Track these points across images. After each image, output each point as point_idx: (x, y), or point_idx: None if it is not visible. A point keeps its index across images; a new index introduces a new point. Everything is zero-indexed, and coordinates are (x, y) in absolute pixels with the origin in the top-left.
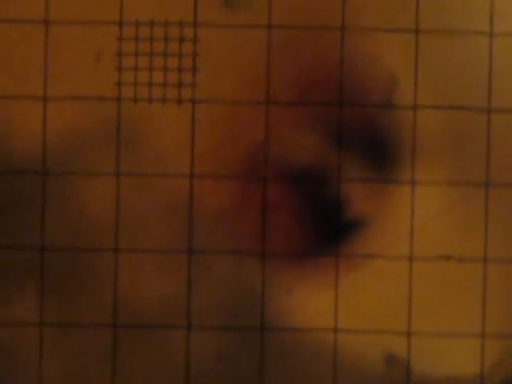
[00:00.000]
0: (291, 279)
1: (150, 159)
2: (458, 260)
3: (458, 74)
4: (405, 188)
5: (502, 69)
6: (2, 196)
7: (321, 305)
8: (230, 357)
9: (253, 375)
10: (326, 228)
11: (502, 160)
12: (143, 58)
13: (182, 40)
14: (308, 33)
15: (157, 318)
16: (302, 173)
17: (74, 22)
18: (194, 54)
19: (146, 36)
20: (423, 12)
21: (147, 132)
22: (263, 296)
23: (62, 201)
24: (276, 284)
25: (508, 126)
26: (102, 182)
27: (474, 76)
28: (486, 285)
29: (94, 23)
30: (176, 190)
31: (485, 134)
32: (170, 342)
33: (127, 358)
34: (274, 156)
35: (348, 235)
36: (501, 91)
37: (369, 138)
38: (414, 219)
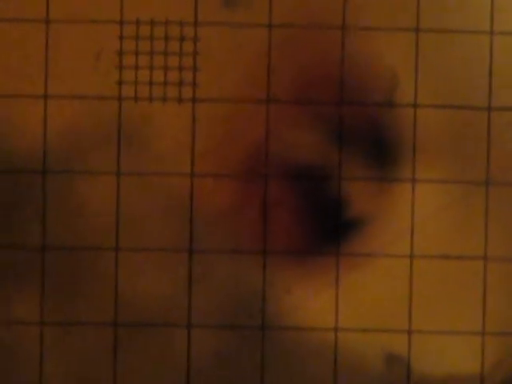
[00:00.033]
0: (292, 278)
1: (151, 158)
2: (458, 258)
3: (458, 73)
4: (405, 186)
5: (502, 68)
6: (2, 195)
7: (321, 304)
8: (230, 356)
9: (253, 374)
10: (326, 226)
11: (502, 159)
12: (144, 56)
13: (182, 39)
14: (308, 32)
15: (157, 316)
16: (302, 171)
17: (75, 20)
18: (195, 53)
19: (147, 35)
20: (424, 11)
21: (147, 131)
22: (264, 295)
23: (62, 200)
24: (276, 283)
25: (508, 125)
26: (102, 181)
27: (474, 75)
28: (486, 283)
29: (95, 22)
30: (176, 188)
31: (485, 133)
32: (170, 341)
33: (128, 357)
34: (274, 154)
35: (348, 234)
36: (501, 90)
37: (369, 137)
38: (415, 218)
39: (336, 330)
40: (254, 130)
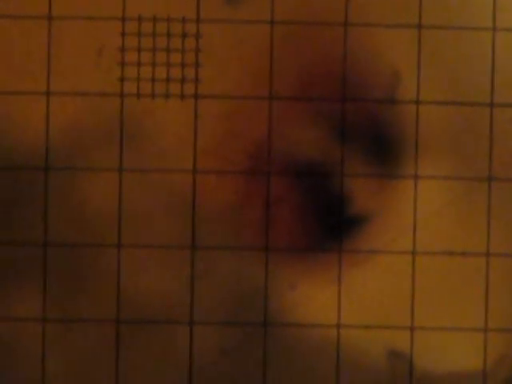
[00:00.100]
0: (294, 275)
1: (153, 155)
2: (460, 255)
3: (460, 70)
4: (408, 183)
5: (504, 64)
6: (4, 192)
7: (324, 300)
8: (232, 352)
9: (256, 370)
10: (329, 223)
11: (505, 155)
12: (146, 53)
13: (184, 35)
14: (310, 28)
15: (159, 313)
16: (305, 168)
17: (77, 17)
18: (197, 50)
19: (149, 31)
20: (426, 7)
21: (150, 128)
22: (266, 291)
23: (64, 196)
24: (279, 279)
25: (510, 121)
26: (104, 177)
27: (476, 71)
28: (489, 280)
29: (97, 19)
30: (179, 185)
31: (487, 129)
32: (172, 338)
33: (130, 354)
34: (276, 151)
35: (351, 230)
36: (503, 86)
37: (372, 134)
38: (417, 214)
39: (338, 326)
40: (257, 126)
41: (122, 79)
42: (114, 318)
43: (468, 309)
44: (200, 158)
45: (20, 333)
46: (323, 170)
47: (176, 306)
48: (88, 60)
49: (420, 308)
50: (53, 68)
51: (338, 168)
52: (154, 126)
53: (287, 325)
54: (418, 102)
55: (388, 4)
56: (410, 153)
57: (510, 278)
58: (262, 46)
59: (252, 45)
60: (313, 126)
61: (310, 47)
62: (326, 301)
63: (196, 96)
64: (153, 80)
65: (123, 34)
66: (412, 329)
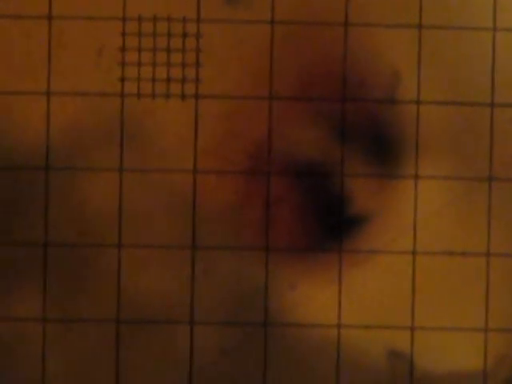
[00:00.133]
0: (295, 275)
1: (154, 155)
2: (461, 255)
3: (461, 70)
4: (408, 183)
5: (504, 64)
6: (5, 192)
7: (324, 300)
8: (233, 352)
9: (256, 370)
10: (329, 223)
11: (505, 155)
12: (146, 53)
13: (185, 35)
14: (310, 28)
15: (160, 313)
16: (305, 168)
17: (77, 17)
18: (197, 50)
19: (149, 31)
20: (426, 7)
21: (150, 128)
22: (266, 291)
23: (64, 196)
24: (279, 279)
25: (511, 121)
26: (104, 177)
27: (476, 71)
28: (489, 280)
29: (97, 18)
30: (179, 185)
31: (488, 129)
32: (172, 338)
33: (130, 354)
34: (276, 151)
35: (351, 230)
36: (504, 86)
37: (372, 134)
38: (417, 214)
39: (339, 326)
40: (257, 126)
41: (122, 79)
42: (115, 318)
43: (468, 309)
44: (200, 158)
45: (20, 333)
46: (323, 169)
47: (176, 305)
48: (88, 60)
49: (420, 308)
50: (53, 68)
51: (338, 168)
52: (155, 126)
53: (287, 325)
54: (418, 102)
55: (388, 4)
56: (411, 153)
57: (511, 278)
58: (262, 45)
59: (252, 45)
60: (313, 126)
61: (310, 47)
62: (326, 301)
63: (196, 96)
64: (153, 80)
65: (123, 34)
66: (412, 329)
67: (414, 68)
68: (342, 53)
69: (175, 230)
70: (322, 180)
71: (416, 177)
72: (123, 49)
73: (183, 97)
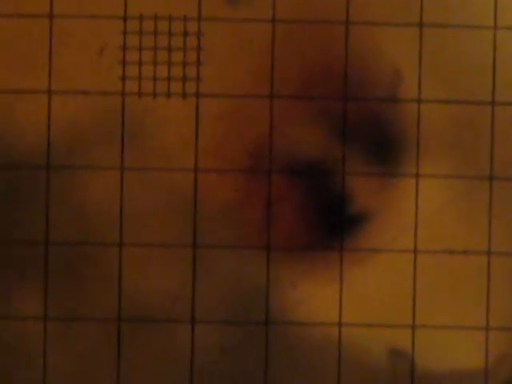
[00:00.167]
0: (296, 273)
1: (154, 153)
2: (462, 253)
3: (462, 68)
4: (409, 182)
5: (506, 62)
6: (5, 190)
7: (325, 299)
8: (234, 351)
9: (257, 369)
10: (330, 222)
11: (506, 154)
12: (147, 52)
13: (186, 34)
14: (312, 27)
15: (160, 312)
16: (306, 166)
17: (78, 15)
18: (198, 48)
19: (150, 30)
20: (427, 6)
21: (151, 126)
22: (268, 290)
23: (65, 195)
24: (281, 278)
25: None
26: (105, 176)
27: (477, 70)
28: (491, 278)
29: (98, 17)
30: (180, 184)
31: (489, 128)
32: (173, 336)
33: (131, 352)
34: (278, 150)
35: (352, 229)
36: (505, 85)
37: (373, 132)
38: (418, 213)
39: (340, 324)
40: (258, 124)
41: (123, 78)
42: (115, 317)
43: (469, 307)
44: (201, 157)
45: (21, 331)
46: (324, 168)
47: (177, 304)
48: (89, 59)
49: (421, 306)
50: (54, 66)
51: (339, 166)
52: (155, 125)
53: (289, 323)
54: (419, 101)
55: (389, 2)
56: (412, 151)
57: None
58: (263, 44)
59: (253, 43)
60: (314, 125)
61: (311, 46)
62: (328, 299)
63: (197, 95)
64: (154, 79)
65: (124, 33)
66: (413, 327)
67: (415, 66)
68: (343, 51)
69: (176, 228)
70: (323, 178)
71: (417, 175)
72: (124, 47)
73: (184, 95)
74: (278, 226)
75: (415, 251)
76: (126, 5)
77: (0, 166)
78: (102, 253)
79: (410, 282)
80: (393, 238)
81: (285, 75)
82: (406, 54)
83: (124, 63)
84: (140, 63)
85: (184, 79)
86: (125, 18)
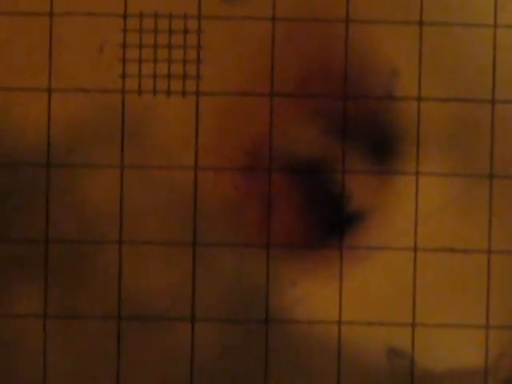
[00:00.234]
0: (295, 272)
1: (154, 151)
2: (462, 252)
3: (461, 66)
4: (409, 180)
5: (505, 61)
6: (5, 188)
7: (325, 297)
8: (234, 349)
9: (257, 367)
10: (329, 220)
11: (506, 152)
12: (147, 49)
13: (186, 32)
14: (311, 25)
15: (161, 310)
16: (305, 164)
17: (78, 13)
18: (198, 47)
19: (151, 28)
20: (427, 4)
21: (151, 124)
22: (267, 288)
23: (65, 193)
24: (280, 276)
25: None
26: (105, 174)
27: (477, 68)
28: (491, 277)
29: (98, 15)
30: (180, 182)
31: (489, 126)
32: (174, 334)
33: (131, 350)
34: (276, 148)
35: (351, 227)
36: (504, 83)
37: (373, 131)
38: (418, 211)
39: (340, 323)
40: (257, 123)
41: (123, 76)
42: (115, 315)
43: (469, 306)
44: (201, 155)
45: (21, 329)
46: (324, 166)
47: (177, 302)
48: (89, 56)
49: (421, 305)
50: (54, 64)
51: (338, 165)
52: (156, 123)
53: (288, 322)
54: (419, 99)
55: (389, 1)
56: (411, 150)
57: None
58: (264, 42)
59: (253, 41)
60: (312, 123)
61: (310, 44)
62: (328, 297)
63: (197, 93)
64: (154, 76)
65: (124, 31)
66: (413, 325)
67: (414, 65)
68: (342, 50)
69: (176, 226)
70: (322, 177)
71: (417, 174)
72: (124, 45)
73: (184, 93)
74: (277, 224)
75: (415, 249)
76: (126, 3)
77: (0, 164)
78: (102, 251)
79: (410, 280)
80: (392, 237)
81: (284, 74)
82: (406, 52)
83: (124, 61)
84: (140, 61)
85: (184, 77)
86: (125, 16)
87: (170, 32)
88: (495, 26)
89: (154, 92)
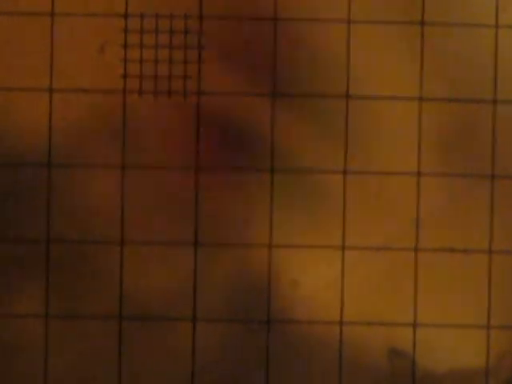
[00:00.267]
0: (297, 271)
1: (155, 151)
2: (462, 252)
3: (463, 66)
4: (410, 179)
5: (507, 61)
6: (6, 188)
7: (326, 297)
8: (235, 349)
9: (258, 368)
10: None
11: (508, 152)
12: (148, 50)
13: (186, 32)
14: (312, 26)
15: (162, 310)
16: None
17: (79, 13)
18: (200, 47)
19: (151, 28)
20: (429, 4)
21: (152, 124)
22: (269, 288)
23: (66, 193)
24: (282, 276)
25: None
26: (106, 174)
27: (479, 68)
28: (491, 277)
29: (99, 15)
30: (181, 182)
31: (490, 126)
32: (175, 334)
33: (132, 350)
34: None
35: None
36: (506, 83)
37: (373, 130)
38: (419, 211)
39: (341, 323)
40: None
41: (124, 76)
42: (116, 315)
43: (470, 306)
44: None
45: (22, 329)
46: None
47: (178, 302)
48: (90, 57)
49: (422, 305)
50: (55, 65)
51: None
52: (157, 123)
53: (289, 322)
54: (420, 99)
55: (391, 1)
56: (412, 149)
57: None
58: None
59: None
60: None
61: (311, 43)
62: (329, 297)
63: (199, 93)
64: (155, 77)
65: (126, 31)
66: (414, 326)
67: (416, 65)
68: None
69: (177, 226)
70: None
71: (418, 173)
72: (125, 45)
73: (185, 94)
74: (277, 224)
75: (416, 249)
76: (127, 3)
77: (0, 164)
78: (103, 251)
79: (411, 280)
80: (393, 237)
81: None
82: (408, 52)
83: (125, 61)
84: (141, 61)
85: (185, 77)
86: (126, 16)
87: (171, 32)
88: (496, 26)
89: (155, 92)
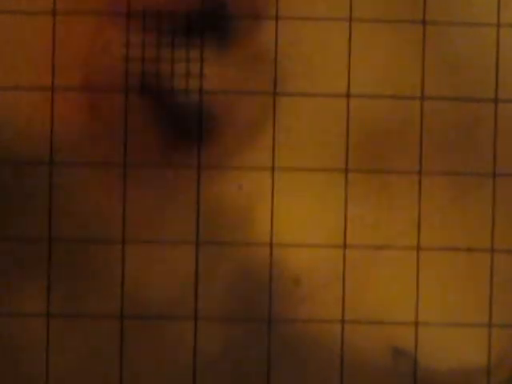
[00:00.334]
0: (299, 271)
1: (157, 150)
2: (465, 251)
3: (465, 66)
4: (412, 179)
5: (509, 60)
6: (8, 187)
7: (328, 296)
8: (237, 348)
9: (260, 366)
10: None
11: (509, 151)
12: (150, 48)
13: (188, 31)
14: (315, 24)
15: (163, 309)
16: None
17: (82, 12)
18: (202, 46)
19: (153, 27)
20: (430, 3)
21: (154, 122)
22: (271, 287)
23: (68, 192)
24: (284, 275)
25: None
26: (108, 173)
27: (480, 67)
28: (494, 276)
29: (102, 14)
30: (183, 181)
31: (492, 125)
32: (176, 333)
33: (134, 349)
34: None
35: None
36: (507, 82)
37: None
38: (422, 210)
39: (343, 322)
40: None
41: (126, 74)
42: (118, 314)
43: (472, 305)
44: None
45: (24, 328)
46: None
47: (180, 301)
48: (92, 55)
49: (424, 304)
50: (57, 63)
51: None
52: (159, 121)
53: (291, 321)
54: (422, 98)
55: (393, 0)
56: (415, 148)
57: None
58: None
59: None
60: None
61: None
62: (331, 297)
63: (201, 91)
64: (157, 75)
65: (128, 30)
66: (416, 324)
67: (418, 64)
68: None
69: (179, 225)
70: None
71: (420, 172)
72: (127, 44)
73: (187, 92)
74: (278, 223)
75: (418, 248)
76: (129, 2)
77: (2, 161)
78: (105, 250)
79: (413, 279)
80: (396, 236)
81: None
82: (410, 51)
83: (127, 60)
84: (143, 60)
85: (187, 76)
86: (128, 15)
87: (174, 31)
88: (498, 25)
89: (157, 91)
